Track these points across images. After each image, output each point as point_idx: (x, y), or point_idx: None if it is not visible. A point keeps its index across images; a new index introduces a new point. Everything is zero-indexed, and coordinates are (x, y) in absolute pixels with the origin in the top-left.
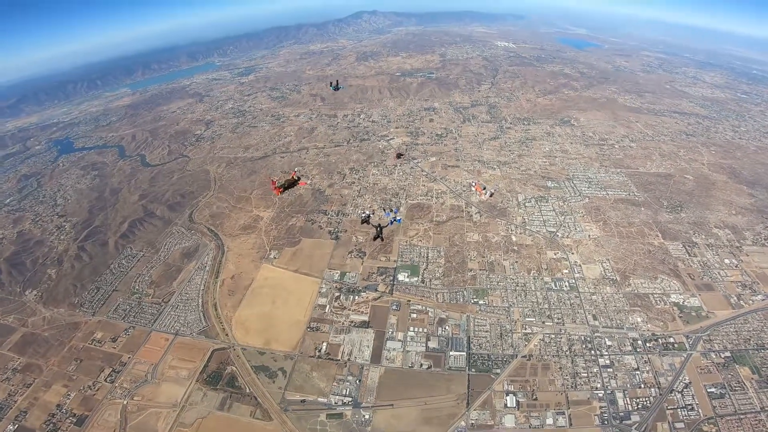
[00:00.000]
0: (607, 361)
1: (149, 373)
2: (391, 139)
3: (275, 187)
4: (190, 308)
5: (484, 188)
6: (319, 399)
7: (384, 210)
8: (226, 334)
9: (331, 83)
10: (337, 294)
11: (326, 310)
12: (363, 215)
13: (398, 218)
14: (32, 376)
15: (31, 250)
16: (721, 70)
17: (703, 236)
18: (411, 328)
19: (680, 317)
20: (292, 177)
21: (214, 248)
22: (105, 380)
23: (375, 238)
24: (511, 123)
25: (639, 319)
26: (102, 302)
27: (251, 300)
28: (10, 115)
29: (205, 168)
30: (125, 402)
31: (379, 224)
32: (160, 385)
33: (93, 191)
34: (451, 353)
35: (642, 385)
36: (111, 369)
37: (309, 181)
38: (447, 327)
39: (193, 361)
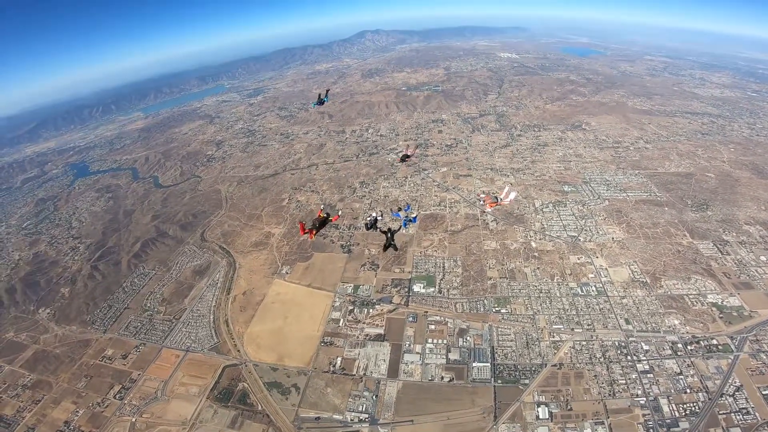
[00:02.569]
0: (646, 367)
1: (159, 390)
2: (399, 152)
3: (306, 231)
4: (201, 324)
5: (496, 198)
6: (334, 416)
7: (391, 211)
8: (238, 351)
9: (319, 95)
10: (350, 307)
11: (340, 324)
12: (369, 218)
13: (413, 217)
14: (42, 393)
15: (45, 270)
16: (727, 71)
17: (734, 234)
18: (429, 340)
19: (721, 318)
20: (320, 215)
21: (226, 265)
22: (114, 397)
23: (386, 248)
24: (521, 130)
25: (676, 322)
26: (114, 320)
27: (263, 315)
28: (29, 140)
29: (216, 187)
30: (134, 419)
31: (390, 229)
32: (169, 402)
33: (107, 213)
34: (474, 365)
35: (688, 390)
36: (120, 386)
37: (323, 201)
38: (468, 337)
39: (204, 377)
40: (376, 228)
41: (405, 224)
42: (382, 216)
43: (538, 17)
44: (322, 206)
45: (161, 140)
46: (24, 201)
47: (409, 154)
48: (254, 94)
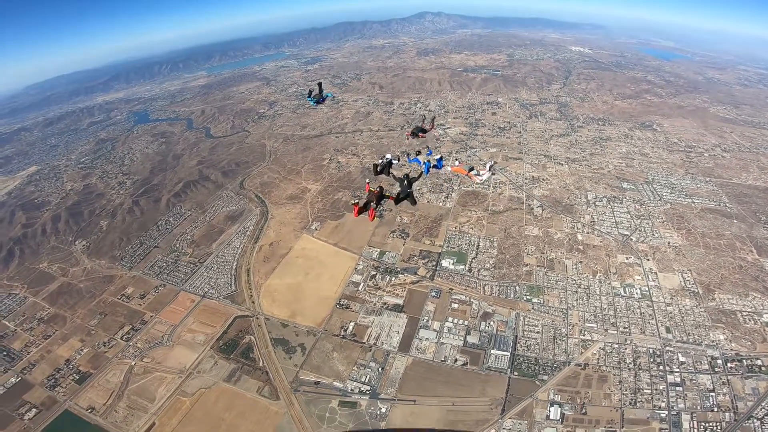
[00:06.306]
0: (678, 379)
1: (166, 335)
2: (448, 128)
3: (363, 210)
4: (223, 271)
5: (472, 169)
6: (334, 383)
7: (408, 155)
8: (253, 302)
9: (310, 91)
10: (373, 273)
11: (359, 289)
12: (381, 160)
13: (438, 159)
14: (54, 328)
15: (91, 201)
16: None
17: None
18: (450, 319)
19: None
20: (368, 189)
21: (259, 214)
22: (121, 338)
23: (399, 199)
24: (583, 122)
25: (722, 337)
26: (141, 258)
27: (285, 269)
28: (101, 91)
29: (262, 142)
30: (133, 363)
31: (407, 175)
32: (173, 348)
33: (158, 155)
34: (492, 352)
35: (715, 408)
36: (131, 326)
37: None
38: (492, 322)
39: (213, 326)
40: (389, 173)
41: (427, 170)
42: (399, 160)
43: (619, 16)
44: (368, 180)
45: (219, 97)
46: (86, 140)
47: (426, 128)
48: (311, 62)
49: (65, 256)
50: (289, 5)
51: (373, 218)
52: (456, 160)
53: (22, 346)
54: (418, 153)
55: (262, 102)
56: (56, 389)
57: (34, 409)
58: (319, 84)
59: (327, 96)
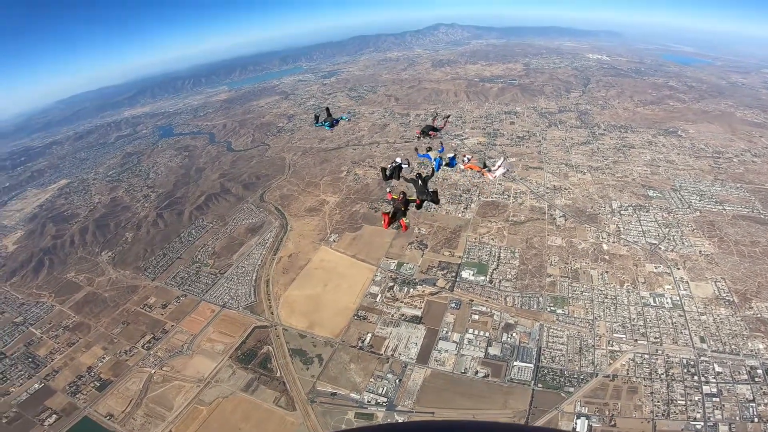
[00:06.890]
0: (714, 390)
1: (186, 344)
2: (465, 138)
3: (393, 220)
4: (243, 282)
5: (485, 165)
6: (351, 394)
7: (417, 150)
8: (272, 312)
9: (317, 116)
10: (391, 284)
11: (377, 300)
12: (390, 164)
13: (451, 157)
14: (78, 336)
15: (117, 214)
16: None
17: None
18: (470, 330)
19: None
20: (390, 198)
21: (278, 227)
22: (143, 347)
23: (421, 203)
24: (604, 130)
25: (761, 346)
26: (164, 268)
27: (304, 280)
28: (128, 105)
29: (282, 155)
30: (153, 371)
31: (419, 175)
32: (192, 358)
33: (181, 168)
34: (515, 363)
35: (755, 419)
36: (152, 336)
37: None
38: (514, 334)
39: (232, 336)
40: (399, 177)
41: (437, 167)
42: (409, 164)
43: (634, 23)
44: (389, 188)
45: (239, 111)
46: (114, 154)
47: (437, 126)
48: (328, 75)
49: (92, 266)
50: (305, 20)
51: (406, 229)
52: (465, 156)
53: (47, 353)
54: (429, 149)
55: (281, 115)
56: (77, 396)
57: (54, 415)
58: (327, 108)
59: (341, 118)
